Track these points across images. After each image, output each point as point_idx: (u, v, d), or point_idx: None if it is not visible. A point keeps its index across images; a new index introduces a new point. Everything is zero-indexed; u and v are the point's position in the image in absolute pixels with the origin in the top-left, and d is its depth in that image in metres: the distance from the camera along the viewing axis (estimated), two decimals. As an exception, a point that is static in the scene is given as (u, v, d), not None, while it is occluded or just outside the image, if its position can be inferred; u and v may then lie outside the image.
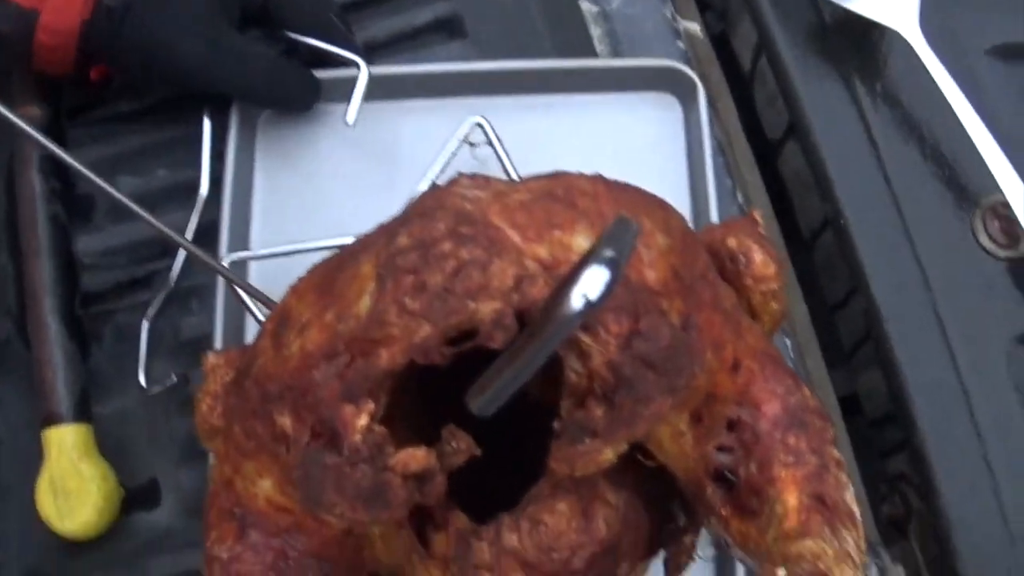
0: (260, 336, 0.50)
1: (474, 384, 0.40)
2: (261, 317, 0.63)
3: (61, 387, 0.69)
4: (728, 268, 0.53)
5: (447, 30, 0.82)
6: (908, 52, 0.74)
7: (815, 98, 0.77)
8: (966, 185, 0.74)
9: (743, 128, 0.86)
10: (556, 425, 0.45)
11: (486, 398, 0.38)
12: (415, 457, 0.43)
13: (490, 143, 0.68)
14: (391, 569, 0.52)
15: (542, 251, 0.43)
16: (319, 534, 0.50)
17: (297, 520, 0.50)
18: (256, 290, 0.62)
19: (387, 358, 0.42)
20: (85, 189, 0.74)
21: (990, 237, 0.72)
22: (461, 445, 0.45)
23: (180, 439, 0.71)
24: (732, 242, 0.52)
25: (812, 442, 0.49)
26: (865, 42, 0.78)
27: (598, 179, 0.48)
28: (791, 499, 0.47)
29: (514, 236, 0.43)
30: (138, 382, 0.70)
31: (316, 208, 0.74)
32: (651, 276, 0.45)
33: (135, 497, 0.70)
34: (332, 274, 0.47)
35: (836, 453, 0.49)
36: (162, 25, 0.69)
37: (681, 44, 0.82)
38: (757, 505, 0.48)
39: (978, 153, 0.70)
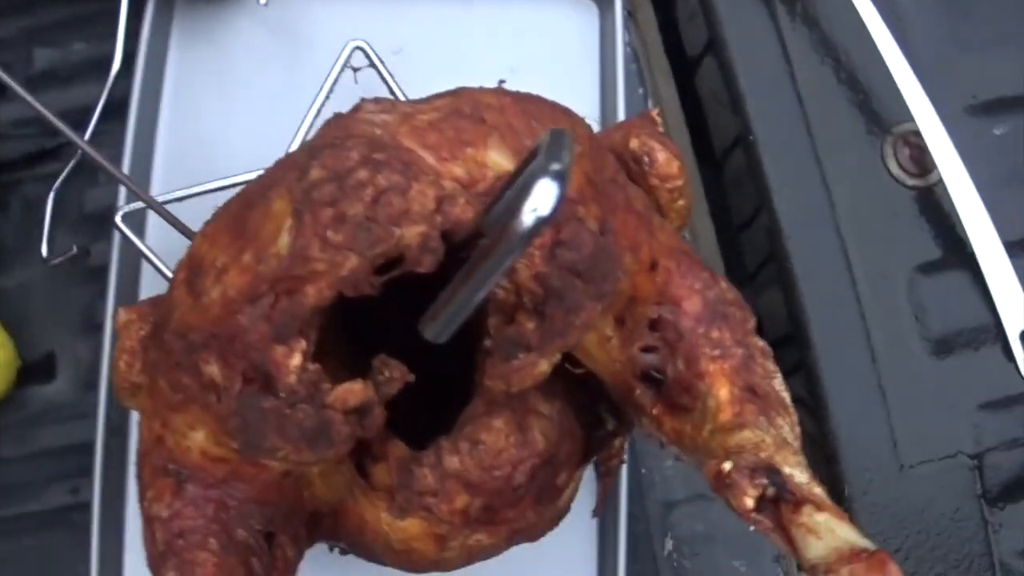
0: (173, 286, 0.49)
1: (426, 312, 0.39)
2: (164, 270, 0.62)
3: None
4: (633, 169, 0.53)
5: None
6: (831, -27, 0.73)
7: (734, 14, 0.77)
8: (879, 112, 0.74)
9: (663, 45, 0.85)
10: (487, 343, 0.45)
11: (439, 324, 0.38)
12: (353, 391, 0.43)
13: (373, 65, 0.67)
14: (332, 506, 0.51)
15: (458, 170, 0.43)
16: (258, 480, 0.49)
17: (234, 468, 0.49)
18: (159, 205, 0.61)
19: (314, 294, 0.41)
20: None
21: (900, 165, 0.73)
22: (395, 374, 0.44)
23: (80, 310, 0.71)
24: (635, 143, 0.52)
25: (735, 333, 0.50)
26: (790, -40, 0.78)
27: (501, 92, 0.47)
28: (722, 392, 0.48)
29: (428, 157, 0.42)
30: (42, 254, 0.70)
31: (229, 88, 0.74)
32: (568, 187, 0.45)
33: (31, 370, 0.70)
34: (242, 214, 0.45)
35: (760, 342, 0.50)
36: None
37: None
38: (689, 401, 0.49)
39: (893, 81, 0.70)
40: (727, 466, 0.44)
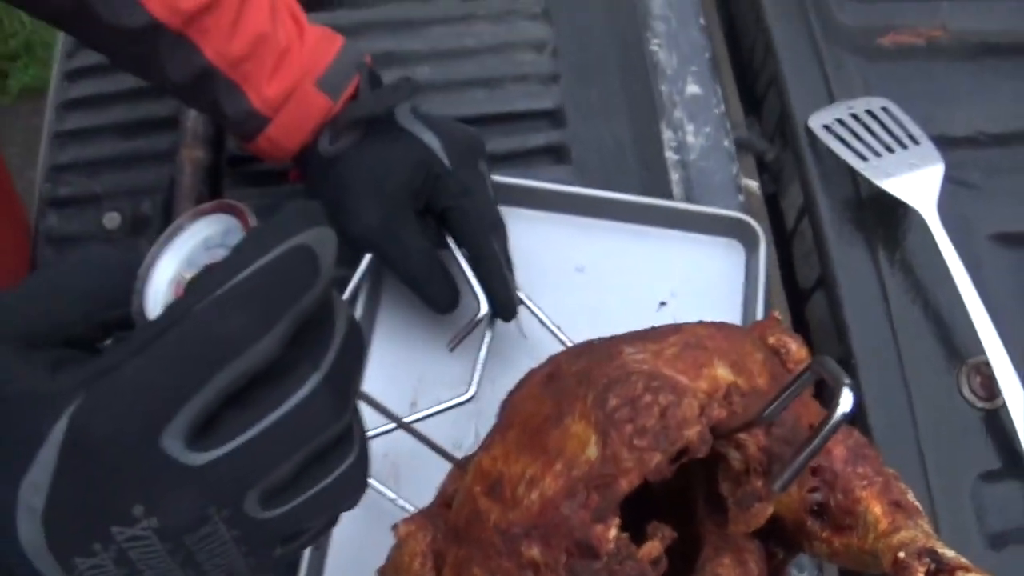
0: (468, 500, 0.66)
1: (773, 474, 0.58)
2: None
3: None
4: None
5: (555, 155, 0.99)
6: (924, 229, 0.91)
7: (844, 258, 0.94)
8: (957, 345, 0.91)
9: (781, 279, 1.03)
10: (730, 500, 0.63)
11: (785, 479, 0.56)
12: (655, 546, 0.60)
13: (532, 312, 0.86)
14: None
15: (704, 384, 0.61)
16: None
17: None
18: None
19: (626, 484, 0.59)
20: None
21: (972, 390, 0.90)
22: (666, 533, 0.62)
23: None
24: (772, 340, 0.72)
25: (873, 466, 0.68)
26: (891, 217, 0.95)
27: (707, 324, 0.66)
28: (877, 509, 0.66)
29: (682, 379, 0.61)
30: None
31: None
32: (762, 383, 0.64)
33: None
34: (536, 438, 0.63)
35: (890, 470, 0.69)
36: (353, 185, 0.78)
37: (741, 197, 0.98)
38: (851, 521, 0.67)
39: (971, 320, 0.87)
40: (902, 555, 0.62)
